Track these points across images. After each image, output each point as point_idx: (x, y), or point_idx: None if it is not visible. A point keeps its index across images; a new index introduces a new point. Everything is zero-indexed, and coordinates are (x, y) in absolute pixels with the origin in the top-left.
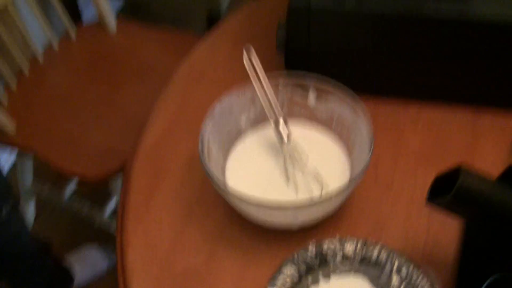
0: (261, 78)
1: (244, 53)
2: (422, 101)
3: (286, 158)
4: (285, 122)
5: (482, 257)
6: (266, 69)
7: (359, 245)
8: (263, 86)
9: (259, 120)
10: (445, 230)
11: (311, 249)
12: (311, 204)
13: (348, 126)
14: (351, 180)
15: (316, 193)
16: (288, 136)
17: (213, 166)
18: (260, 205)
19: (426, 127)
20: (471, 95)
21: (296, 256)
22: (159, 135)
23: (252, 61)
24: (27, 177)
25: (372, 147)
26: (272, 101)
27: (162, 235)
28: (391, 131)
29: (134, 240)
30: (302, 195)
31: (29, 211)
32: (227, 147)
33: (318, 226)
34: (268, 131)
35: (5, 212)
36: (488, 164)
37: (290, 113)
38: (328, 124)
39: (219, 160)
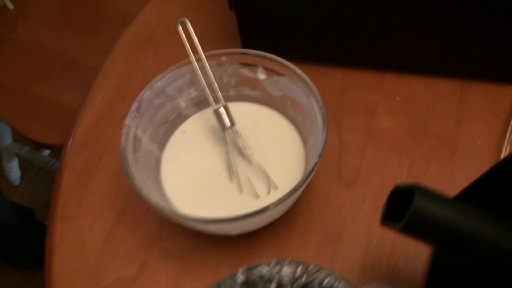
0: (201, 56)
1: (179, 28)
2: (399, 73)
3: (229, 150)
4: (226, 108)
5: (451, 281)
6: (220, 33)
7: (298, 271)
8: (202, 65)
9: (202, 100)
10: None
11: (240, 277)
12: (250, 215)
13: (303, 111)
14: (300, 181)
15: (261, 194)
16: (232, 123)
17: (142, 165)
18: (190, 219)
19: (403, 105)
20: (457, 66)
21: (223, 284)
22: (96, 118)
23: (191, 36)
24: (6, 138)
25: (325, 136)
26: (213, 84)
27: (92, 241)
28: (361, 110)
29: (61, 245)
30: (245, 196)
31: (13, 171)
32: (163, 135)
33: (266, 228)
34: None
35: None
36: (476, 150)
37: (238, 96)
38: (282, 108)
39: (153, 152)
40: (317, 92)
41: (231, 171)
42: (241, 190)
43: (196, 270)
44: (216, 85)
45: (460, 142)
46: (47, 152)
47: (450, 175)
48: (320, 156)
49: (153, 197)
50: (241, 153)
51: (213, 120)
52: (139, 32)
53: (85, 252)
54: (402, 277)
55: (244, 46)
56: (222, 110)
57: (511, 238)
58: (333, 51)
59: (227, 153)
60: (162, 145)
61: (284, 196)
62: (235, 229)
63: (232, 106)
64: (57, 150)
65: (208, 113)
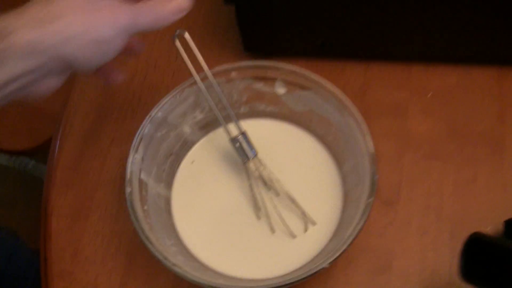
0: (208, 75)
1: (177, 42)
2: (426, 64)
3: (253, 182)
4: (244, 136)
5: None
6: (214, 34)
7: None
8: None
9: (209, 122)
10: None
11: None
12: (301, 279)
13: (335, 130)
14: (352, 233)
15: (297, 232)
16: (254, 153)
17: (153, 218)
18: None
19: (436, 102)
20: (492, 51)
21: None
22: (77, 147)
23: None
24: None
25: (375, 166)
26: (225, 105)
27: None
28: (391, 112)
29: None
30: (279, 236)
31: None
32: (169, 171)
33: None
34: (223, 137)
35: None
36: None
37: (251, 112)
38: (306, 124)
39: (160, 194)
40: (357, 111)
41: (258, 207)
42: (273, 230)
43: None
44: (230, 108)
45: (507, 139)
46: None
47: (502, 181)
48: (372, 197)
49: (178, 261)
50: (266, 183)
51: (224, 142)
52: None
53: None
54: None
55: (246, 45)
56: (241, 138)
57: None
58: (351, 44)
59: (250, 186)
60: (169, 183)
61: (337, 256)
62: None
63: (245, 123)
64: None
65: (217, 134)
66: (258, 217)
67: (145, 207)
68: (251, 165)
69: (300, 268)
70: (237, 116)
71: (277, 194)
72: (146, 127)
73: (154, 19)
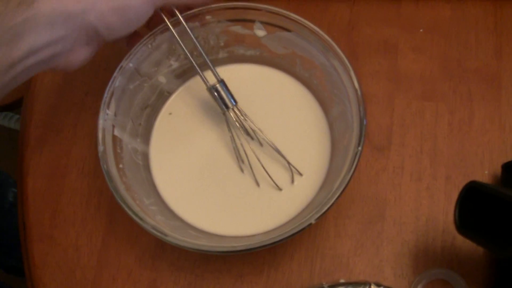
0: (181, 20)
1: None
2: None
3: (234, 134)
4: (223, 84)
5: None
6: None
7: None
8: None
9: (187, 70)
10: None
11: None
12: (287, 237)
13: (320, 74)
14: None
15: (283, 185)
16: (234, 101)
17: (130, 176)
18: (211, 251)
19: (429, 38)
20: None
21: None
22: (50, 100)
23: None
24: None
25: (364, 111)
26: (200, 51)
27: (82, 265)
28: (380, 50)
29: (45, 277)
30: (264, 190)
31: None
32: (145, 124)
33: None
34: (202, 85)
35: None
36: None
37: (231, 57)
38: (289, 68)
39: (137, 150)
40: (343, 53)
41: (241, 161)
42: (257, 184)
43: (216, 284)
44: (204, 53)
45: (504, 77)
46: None
47: (499, 122)
48: (361, 145)
49: (157, 222)
50: (248, 134)
51: (203, 91)
52: None
53: (76, 281)
54: (461, 259)
55: None
56: (219, 87)
57: None
58: None
59: (232, 137)
60: (146, 138)
61: (325, 210)
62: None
63: (225, 70)
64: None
65: (195, 82)
66: (242, 170)
67: (120, 165)
68: (231, 115)
69: (287, 223)
70: (216, 62)
71: (260, 144)
72: (117, 80)
73: None
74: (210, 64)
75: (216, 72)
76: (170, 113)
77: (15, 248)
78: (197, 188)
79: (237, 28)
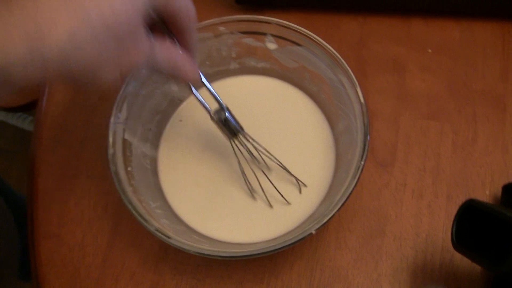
0: None
1: None
2: (428, 17)
3: (240, 161)
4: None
5: None
6: None
7: None
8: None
9: None
10: None
11: None
12: (290, 244)
13: (328, 88)
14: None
15: (292, 200)
16: (240, 128)
17: (138, 180)
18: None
19: (437, 58)
20: (497, 4)
21: None
22: (64, 103)
23: None
24: None
25: (368, 127)
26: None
27: (86, 264)
28: (389, 68)
29: (50, 274)
30: (276, 207)
31: None
32: (155, 130)
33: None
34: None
35: None
36: None
37: (242, 68)
38: (298, 82)
39: (146, 155)
40: (350, 70)
41: (251, 189)
42: (270, 205)
43: None
44: (214, 91)
45: (509, 99)
46: None
47: (502, 143)
48: (363, 159)
49: (162, 225)
50: (254, 157)
51: (213, 100)
52: None
53: (80, 280)
54: (458, 277)
55: None
56: (226, 115)
57: None
58: None
59: (238, 162)
60: (156, 143)
61: (325, 221)
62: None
63: (235, 80)
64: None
65: (206, 92)
66: (254, 198)
67: (129, 168)
68: (237, 142)
69: (288, 233)
70: (227, 72)
71: (267, 168)
72: (130, 85)
73: (168, 66)
74: (213, 90)
75: (220, 100)
76: (180, 120)
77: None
78: (202, 195)
79: (249, 41)
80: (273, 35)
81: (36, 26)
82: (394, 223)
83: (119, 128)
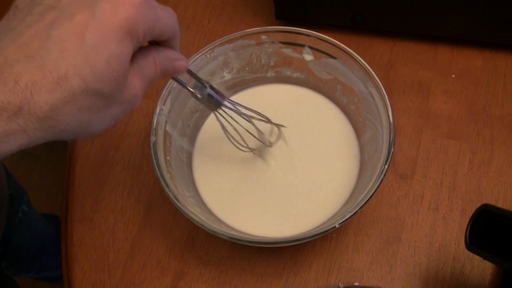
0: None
1: None
2: (453, 45)
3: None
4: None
5: None
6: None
7: None
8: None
9: (237, 83)
10: None
11: None
12: (311, 236)
13: (358, 99)
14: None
15: (316, 200)
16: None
17: (174, 169)
18: (245, 241)
19: (459, 83)
20: None
21: None
22: None
23: None
24: None
25: (393, 135)
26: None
27: (116, 249)
28: (414, 89)
29: (80, 255)
30: (295, 198)
31: None
32: (193, 127)
33: None
34: (249, 98)
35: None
36: None
37: (278, 77)
38: (330, 93)
39: (183, 148)
40: (380, 83)
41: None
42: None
43: (238, 281)
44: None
45: None
46: None
47: None
48: (387, 163)
49: (196, 210)
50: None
51: (249, 104)
52: None
53: (109, 262)
54: (468, 285)
55: (278, 14)
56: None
57: None
58: (379, 20)
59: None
60: (192, 139)
61: (348, 217)
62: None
63: (271, 88)
64: None
65: (243, 96)
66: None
67: (168, 158)
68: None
69: (313, 229)
70: (264, 80)
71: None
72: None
73: (160, 76)
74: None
75: (199, 77)
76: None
77: (24, 260)
78: (232, 190)
79: (288, 51)
80: (310, 47)
81: (16, 99)
82: (410, 232)
83: (161, 119)
